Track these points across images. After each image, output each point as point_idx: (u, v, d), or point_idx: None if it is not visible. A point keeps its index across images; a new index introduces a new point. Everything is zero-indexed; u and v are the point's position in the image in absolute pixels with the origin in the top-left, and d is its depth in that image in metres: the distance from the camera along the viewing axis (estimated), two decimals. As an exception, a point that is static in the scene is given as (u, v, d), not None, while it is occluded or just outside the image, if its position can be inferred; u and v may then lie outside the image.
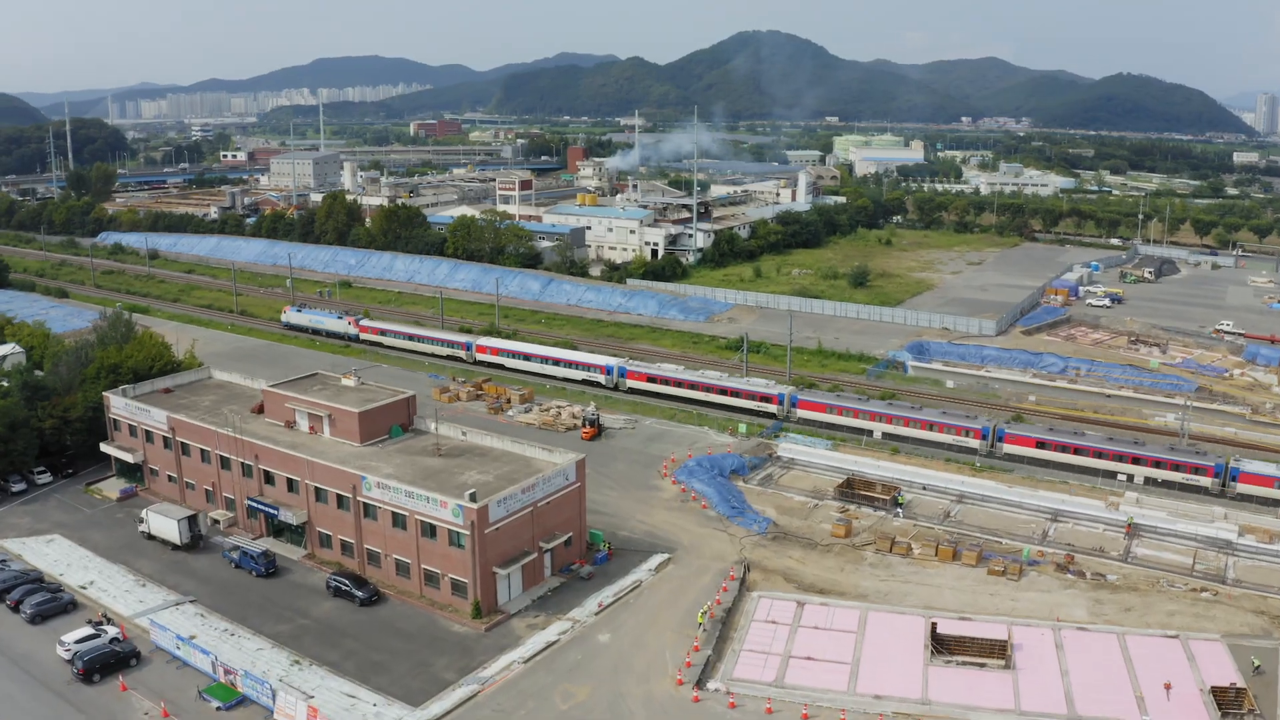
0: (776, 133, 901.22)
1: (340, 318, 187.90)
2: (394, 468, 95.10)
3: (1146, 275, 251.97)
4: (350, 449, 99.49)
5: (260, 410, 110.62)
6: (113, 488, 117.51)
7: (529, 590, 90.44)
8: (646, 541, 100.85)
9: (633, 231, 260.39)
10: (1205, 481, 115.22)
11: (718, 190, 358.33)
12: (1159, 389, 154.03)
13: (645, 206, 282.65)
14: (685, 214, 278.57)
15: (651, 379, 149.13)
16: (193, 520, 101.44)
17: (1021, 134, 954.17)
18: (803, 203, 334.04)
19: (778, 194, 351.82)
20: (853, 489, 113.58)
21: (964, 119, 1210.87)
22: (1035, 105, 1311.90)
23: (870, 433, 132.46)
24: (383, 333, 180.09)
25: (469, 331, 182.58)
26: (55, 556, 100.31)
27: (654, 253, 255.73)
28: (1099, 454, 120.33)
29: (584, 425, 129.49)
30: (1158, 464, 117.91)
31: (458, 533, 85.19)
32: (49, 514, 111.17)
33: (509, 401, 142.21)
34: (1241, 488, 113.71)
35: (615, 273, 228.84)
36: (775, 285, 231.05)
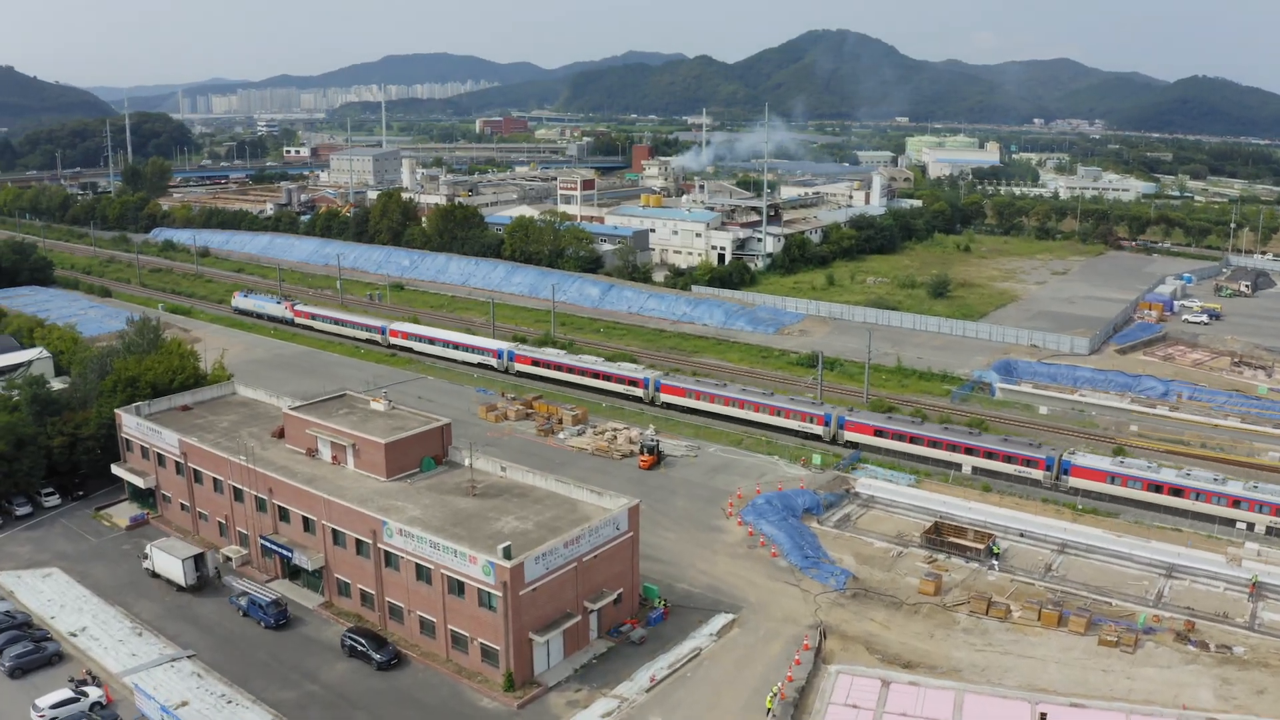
0: (846, 133, 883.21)
1: (279, 303, 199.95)
2: (421, 509, 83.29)
3: (1243, 289, 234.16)
4: (374, 485, 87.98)
5: (281, 435, 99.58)
6: (124, 514, 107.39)
7: (571, 657, 78.18)
8: (708, 597, 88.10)
9: (699, 235, 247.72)
10: (1037, 474, 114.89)
11: (787, 192, 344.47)
12: (1267, 417, 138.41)
13: (712, 208, 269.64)
14: (754, 217, 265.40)
15: (535, 362, 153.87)
16: (199, 560, 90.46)
17: (1096, 136, 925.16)
18: (877, 206, 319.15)
19: (850, 196, 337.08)
20: (941, 535, 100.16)
21: (1036, 120, 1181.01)
22: (1109, 107, 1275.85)
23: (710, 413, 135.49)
24: (313, 317, 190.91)
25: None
26: (50, 595, 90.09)
27: (721, 258, 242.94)
28: (934, 443, 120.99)
29: (642, 453, 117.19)
30: (989, 455, 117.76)
31: (489, 593, 73.15)
32: (51, 542, 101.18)
33: (560, 422, 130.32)
34: (1074, 481, 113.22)
35: (680, 279, 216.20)
36: (849, 294, 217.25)
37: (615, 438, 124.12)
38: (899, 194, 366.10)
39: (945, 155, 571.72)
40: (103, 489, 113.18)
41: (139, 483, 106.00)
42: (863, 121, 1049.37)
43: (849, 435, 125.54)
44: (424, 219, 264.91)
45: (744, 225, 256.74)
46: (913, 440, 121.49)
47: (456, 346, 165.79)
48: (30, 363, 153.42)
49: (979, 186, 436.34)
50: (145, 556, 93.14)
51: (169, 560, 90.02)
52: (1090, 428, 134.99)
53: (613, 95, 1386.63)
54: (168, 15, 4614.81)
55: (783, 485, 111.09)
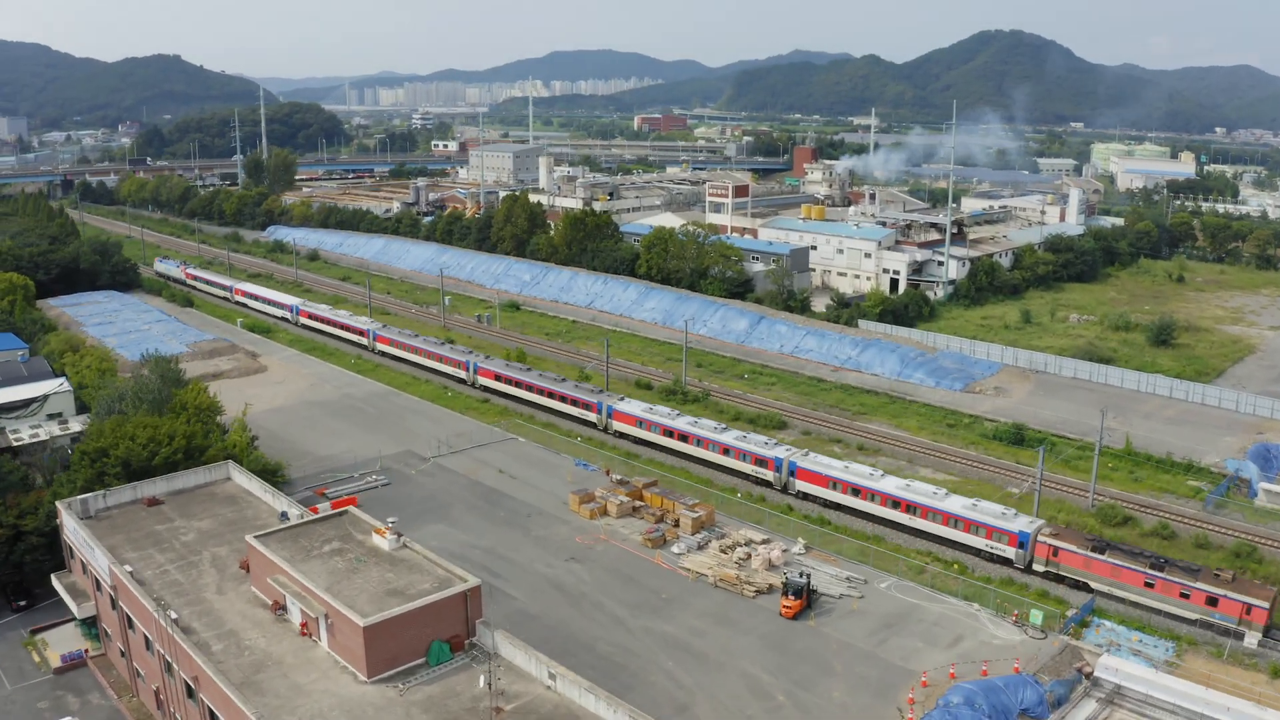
0: (1019, 137, 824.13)
1: (178, 266, 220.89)
2: (405, 757, 49.94)
3: None
4: (346, 690, 54.85)
5: (249, 569, 67.64)
6: (63, 643, 77.34)
7: None
8: None
9: (868, 255, 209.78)
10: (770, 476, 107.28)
11: (969, 205, 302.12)
12: None
13: (883, 223, 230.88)
14: (933, 234, 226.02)
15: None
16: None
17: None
18: (1074, 224, 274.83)
19: (1043, 211, 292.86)
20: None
21: (1217, 129, 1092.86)
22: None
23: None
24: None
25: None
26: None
27: (893, 283, 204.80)
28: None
29: (785, 594, 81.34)
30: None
31: None
32: (-51, 685, 71.78)
33: (676, 525, 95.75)
34: (800, 484, 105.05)
35: (844, 310, 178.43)
36: (1050, 336, 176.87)
37: (749, 557, 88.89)
38: (1096, 209, 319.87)
39: (1136, 165, 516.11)
40: (54, 597, 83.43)
41: (74, 609, 75.80)
42: (1036, 126, 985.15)
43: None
44: (553, 226, 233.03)
45: (922, 245, 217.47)
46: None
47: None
48: (46, 398, 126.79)
49: (1176, 202, 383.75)
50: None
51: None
52: None
53: (776, 94, 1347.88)
54: (343, 11, 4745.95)
55: (988, 665, 74.12)
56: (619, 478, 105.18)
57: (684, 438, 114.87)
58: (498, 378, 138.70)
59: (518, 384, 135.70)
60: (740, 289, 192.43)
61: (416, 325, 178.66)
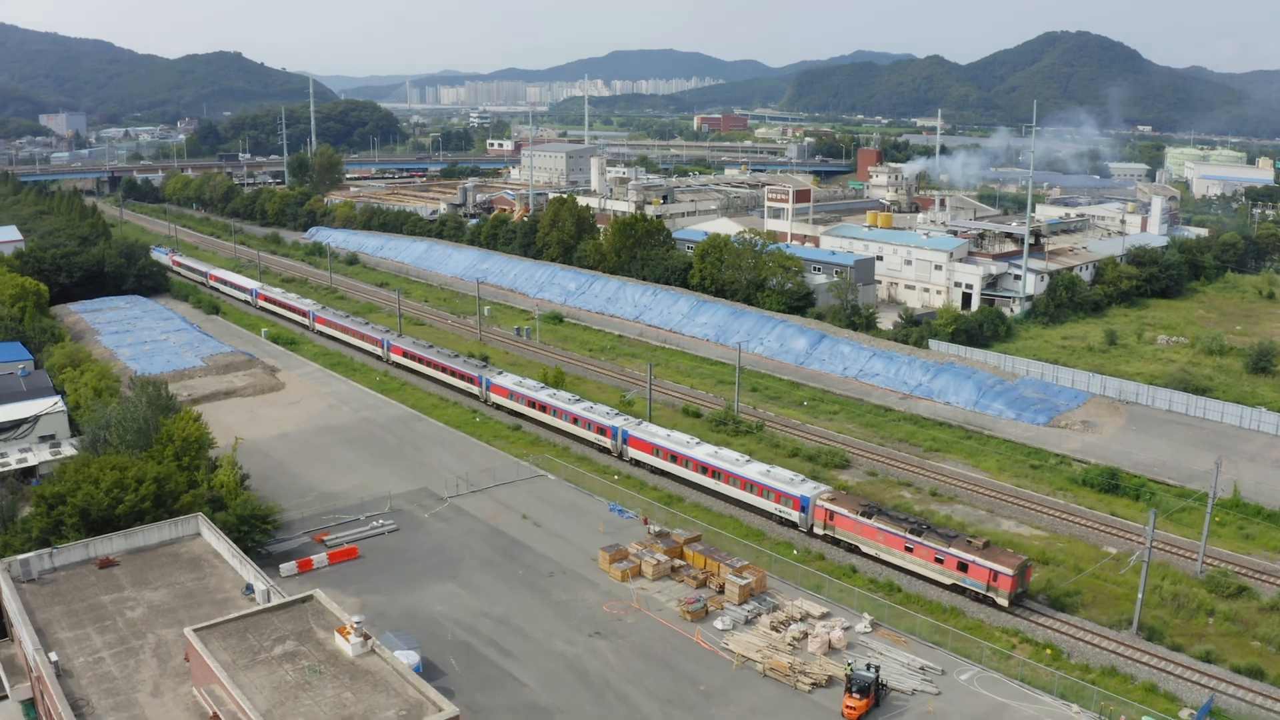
0: (1086, 141, 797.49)
1: (167, 254, 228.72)
2: None
3: None
4: None
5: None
6: (-1, 728, 66.17)
7: None
8: None
9: (939, 267, 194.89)
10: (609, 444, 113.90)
11: (1043, 212, 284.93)
12: None
13: (954, 231, 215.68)
14: (1009, 245, 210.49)
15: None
16: None
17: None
18: (1157, 234, 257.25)
19: (1123, 220, 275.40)
20: None
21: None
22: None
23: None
24: (218, 280, 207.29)
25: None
26: None
27: (965, 298, 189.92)
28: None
29: (849, 691, 67.80)
30: None
31: None
32: None
33: (720, 591, 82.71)
34: (632, 451, 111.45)
35: (913, 329, 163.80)
36: (1138, 360, 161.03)
37: (805, 636, 75.66)
38: (1179, 219, 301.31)
39: (1212, 171, 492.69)
40: (1, 666, 72.30)
41: (7, 688, 64.43)
42: (1103, 129, 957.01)
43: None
44: (602, 231, 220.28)
45: (997, 257, 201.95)
46: None
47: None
48: (37, 419, 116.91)
49: (1256, 210, 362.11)
50: None
51: None
52: None
53: (838, 95, 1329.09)
54: (408, 9, 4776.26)
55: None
56: (658, 529, 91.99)
57: (544, 408, 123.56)
58: (405, 354, 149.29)
59: (420, 360, 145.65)
60: (800, 303, 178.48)
61: (451, 339, 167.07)
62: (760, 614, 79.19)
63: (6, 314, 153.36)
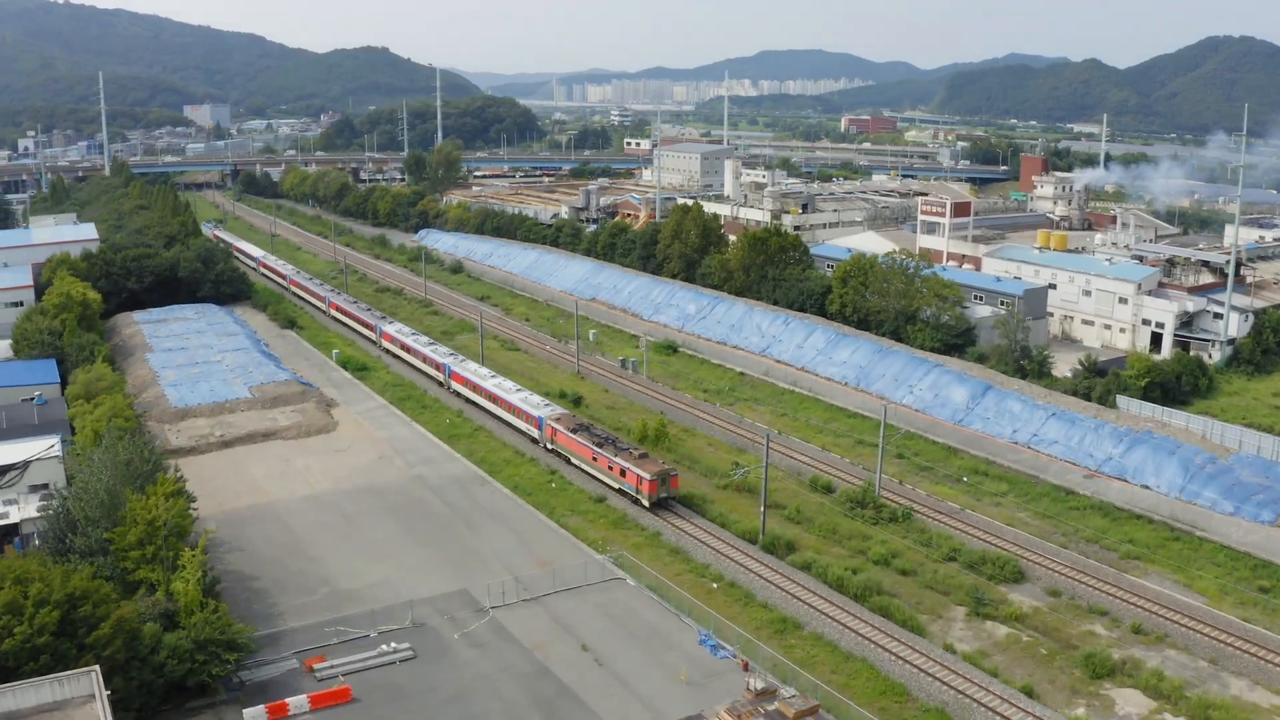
0: (1251, 151, 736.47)
1: (211, 228, 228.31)
2: None
3: None
4: None
5: None
6: None
7: None
8: None
9: (1123, 300, 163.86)
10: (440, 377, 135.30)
11: (1232, 235, 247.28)
12: None
13: (1141, 258, 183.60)
14: (1205, 275, 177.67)
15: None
16: None
17: None
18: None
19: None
20: None
21: None
22: None
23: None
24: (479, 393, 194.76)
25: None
26: None
27: (1154, 338, 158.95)
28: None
29: None
30: None
31: None
32: None
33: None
34: (455, 385, 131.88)
35: (1098, 381, 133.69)
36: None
37: None
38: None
39: None
40: None
41: None
42: (1267, 140, 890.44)
43: None
44: (730, 244, 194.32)
45: (1192, 290, 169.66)
46: None
47: (408, 350, 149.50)
48: (28, 464, 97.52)
49: None
50: None
51: None
52: None
53: (991, 98, 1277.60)
54: (558, 8, 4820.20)
55: None
56: (761, 685, 66.20)
57: (408, 350, 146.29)
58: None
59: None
60: (958, 340, 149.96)
61: (544, 370, 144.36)
62: None
63: (46, 326, 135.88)
